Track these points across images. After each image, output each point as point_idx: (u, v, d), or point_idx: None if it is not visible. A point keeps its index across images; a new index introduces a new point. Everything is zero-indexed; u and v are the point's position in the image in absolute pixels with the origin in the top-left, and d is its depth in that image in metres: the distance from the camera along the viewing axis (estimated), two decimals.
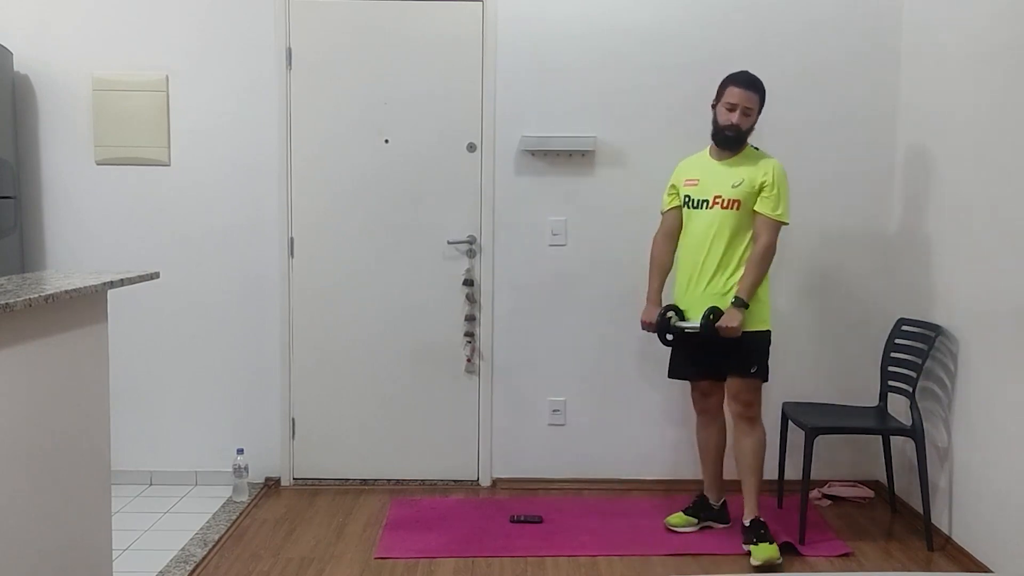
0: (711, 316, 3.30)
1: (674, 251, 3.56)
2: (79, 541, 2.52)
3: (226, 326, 4.09)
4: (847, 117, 3.99)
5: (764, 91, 3.36)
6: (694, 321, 3.37)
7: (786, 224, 3.36)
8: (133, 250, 4.03)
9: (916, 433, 3.48)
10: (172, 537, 3.50)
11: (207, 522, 3.67)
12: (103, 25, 3.98)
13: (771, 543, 3.29)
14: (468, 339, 4.11)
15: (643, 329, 3.56)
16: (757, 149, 3.42)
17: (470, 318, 4.11)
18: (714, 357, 3.41)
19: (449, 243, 4.08)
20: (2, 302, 1.98)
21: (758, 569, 3.23)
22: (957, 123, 3.51)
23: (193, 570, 3.22)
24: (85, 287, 2.35)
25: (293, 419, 4.14)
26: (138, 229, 4.05)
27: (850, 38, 3.98)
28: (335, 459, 4.16)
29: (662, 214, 3.60)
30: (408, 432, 4.15)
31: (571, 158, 4.03)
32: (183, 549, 3.39)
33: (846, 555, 3.40)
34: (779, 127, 3.76)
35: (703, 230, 3.39)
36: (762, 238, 3.32)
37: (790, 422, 3.77)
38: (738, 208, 3.33)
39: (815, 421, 3.55)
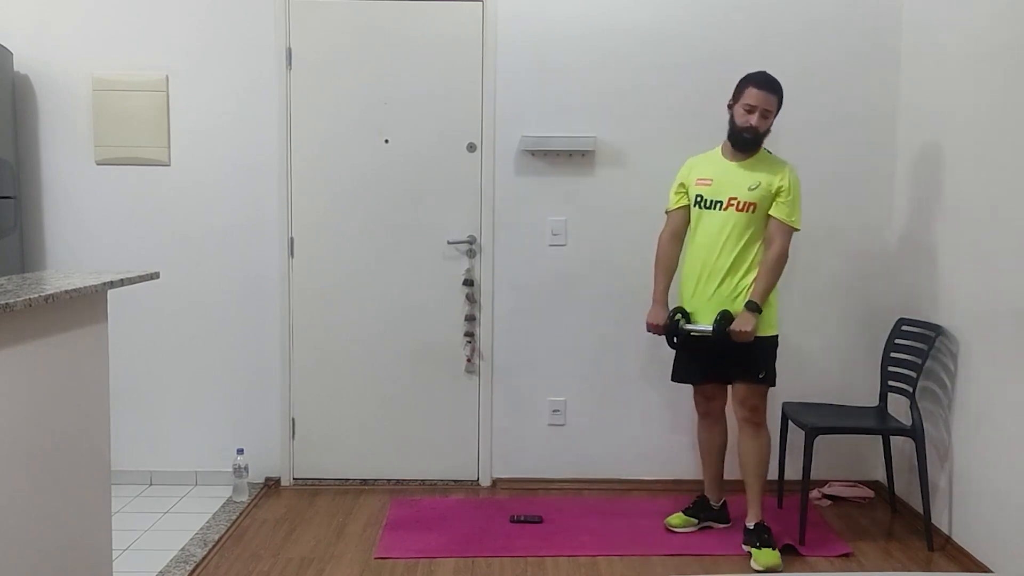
0: (722, 320, 3.26)
1: (680, 251, 3.52)
2: (79, 541, 2.52)
3: (226, 326, 4.10)
4: (847, 117, 3.99)
5: (782, 92, 3.32)
6: (704, 324, 3.32)
7: (798, 230, 3.34)
8: (133, 250, 4.03)
9: (916, 433, 3.48)
10: (172, 537, 3.50)
11: (207, 522, 3.67)
12: (103, 25, 3.98)
13: (773, 549, 3.28)
14: (468, 339, 4.11)
15: (649, 331, 3.52)
16: (770, 152, 3.40)
17: (470, 318, 4.11)
18: (721, 361, 3.37)
19: (449, 243, 4.08)
20: (2, 302, 1.98)
21: (759, 573, 3.23)
22: (957, 123, 3.51)
23: (193, 570, 3.22)
24: (85, 287, 2.35)
25: (293, 419, 4.14)
26: (138, 229, 4.05)
27: (850, 38, 3.98)
28: (335, 459, 4.16)
29: (667, 213, 3.54)
30: (408, 432, 4.15)
31: (571, 158, 4.03)
32: (183, 549, 3.39)
33: (846, 555, 3.40)
34: (779, 127, 3.72)
35: (715, 231, 3.34)
36: (776, 243, 3.29)
37: (790, 422, 3.77)
38: (753, 211, 3.29)
39: (815, 421, 3.55)
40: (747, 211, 3.30)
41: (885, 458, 3.87)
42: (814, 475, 3.57)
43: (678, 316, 3.40)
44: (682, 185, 3.48)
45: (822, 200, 3.98)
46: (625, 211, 4.03)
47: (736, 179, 3.33)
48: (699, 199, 3.39)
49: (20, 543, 2.19)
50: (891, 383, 3.71)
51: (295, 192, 4.05)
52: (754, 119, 3.27)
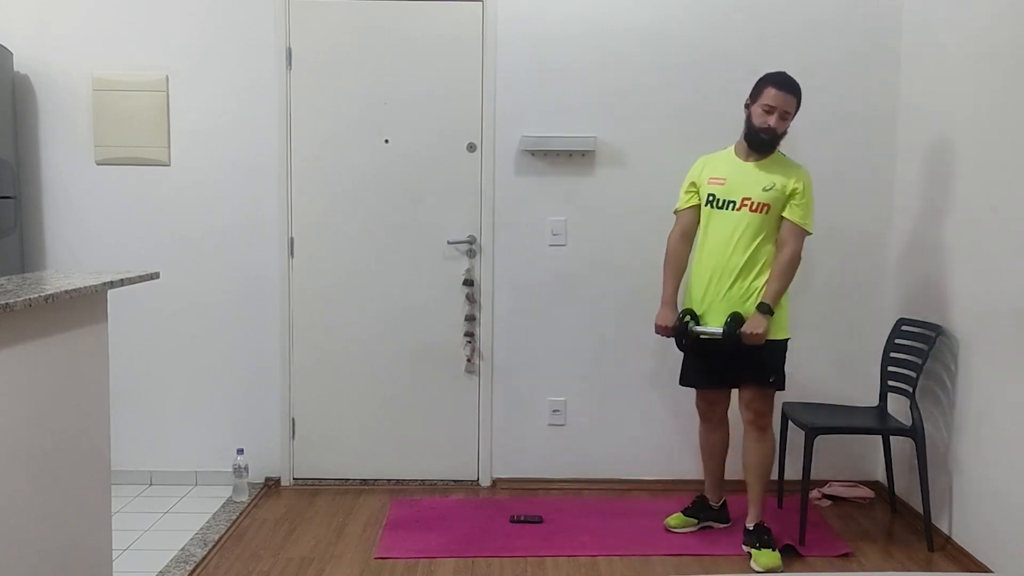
0: (733, 322, 3.22)
1: (689, 251, 3.46)
2: (79, 541, 2.52)
3: (226, 326, 4.10)
4: (847, 117, 3.99)
5: (801, 93, 3.27)
6: (715, 327, 3.28)
7: (810, 234, 3.31)
8: (133, 250, 4.03)
9: (916, 433, 3.48)
10: (172, 537, 3.50)
11: (207, 522, 3.67)
12: (103, 25, 3.98)
13: (773, 550, 3.28)
14: (468, 339, 4.11)
15: (657, 333, 3.47)
16: (784, 155, 3.36)
17: (470, 318, 4.11)
18: (731, 364, 3.32)
19: (449, 243, 4.08)
20: (2, 302, 1.98)
21: (759, 573, 3.23)
22: (957, 123, 3.51)
23: (193, 570, 3.22)
24: (85, 287, 2.35)
25: (293, 419, 4.14)
26: (138, 229, 4.05)
27: (850, 38, 3.98)
28: (335, 459, 4.16)
29: (676, 213, 3.48)
30: (408, 432, 4.15)
31: (571, 158, 4.03)
32: (183, 549, 3.39)
33: (846, 555, 3.40)
34: None
35: (727, 232, 3.28)
36: (789, 246, 3.25)
37: (790, 422, 3.76)
38: (766, 212, 3.25)
39: (815, 421, 3.55)
40: (761, 212, 3.25)
41: (885, 458, 3.87)
42: (814, 475, 3.57)
43: (687, 318, 3.35)
44: (693, 184, 3.41)
45: (822, 200, 3.94)
46: (625, 211, 4.03)
47: (751, 179, 3.28)
48: (711, 198, 3.34)
49: (20, 543, 2.19)
50: (891, 383, 3.71)
51: (295, 192, 4.05)
52: (772, 120, 3.22)
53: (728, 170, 3.33)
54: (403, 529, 3.62)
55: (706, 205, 3.36)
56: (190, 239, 4.06)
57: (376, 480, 4.17)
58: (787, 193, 3.25)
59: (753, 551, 3.30)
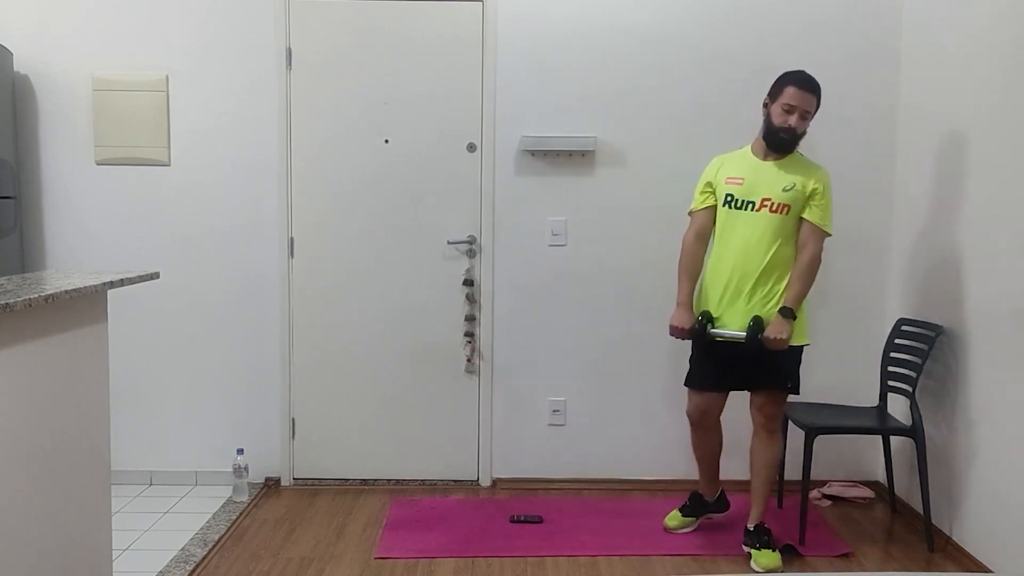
0: (755, 326, 3.16)
1: (705, 253, 3.39)
2: (79, 541, 2.52)
3: (226, 326, 4.09)
4: (847, 117, 3.99)
5: (821, 92, 3.21)
6: (736, 330, 3.21)
7: (830, 235, 3.26)
8: (133, 250, 4.03)
9: (916, 433, 3.47)
10: (172, 537, 3.50)
11: (207, 522, 3.67)
12: (103, 25, 3.98)
13: (773, 550, 3.27)
14: (468, 339, 4.11)
15: (672, 335, 3.39)
16: (803, 155, 3.30)
17: (470, 318, 4.11)
18: (746, 368, 3.27)
19: (449, 243, 4.08)
20: (2, 302, 1.98)
21: (759, 574, 3.23)
22: (957, 123, 3.51)
23: (193, 570, 3.22)
24: (85, 287, 2.35)
25: (293, 419, 4.14)
26: (138, 229, 4.05)
27: (850, 38, 3.98)
28: (335, 459, 4.16)
29: (691, 214, 3.41)
30: (408, 432, 4.15)
31: (571, 158, 4.03)
32: (183, 549, 3.39)
33: (846, 555, 3.40)
34: None
35: (747, 233, 3.21)
36: (809, 247, 3.20)
37: (790, 422, 3.76)
38: (786, 213, 3.19)
39: (815, 421, 3.54)
40: (780, 213, 3.19)
41: (885, 458, 3.87)
42: (814, 475, 3.57)
43: (704, 320, 3.28)
44: (709, 184, 3.34)
45: None
46: (625, 211, 4.03)
47: (770, 179, 3.22)
48: (729, 199, 3.26)
49: (20, 543, 2.19)
50: (891, 383, 3.71)
51: (295, 192, 4.05)
52: (793, 119, 3.15)
53: (746, 170, 3.26)
54: (403, 529, 3.62)
55: (724, 206, 3.29)
56: (190, 239, 4.06)
57: (376, 480, 4.17)
58: (807, 194, 3.19)
59: (753, 551, 3.30)
